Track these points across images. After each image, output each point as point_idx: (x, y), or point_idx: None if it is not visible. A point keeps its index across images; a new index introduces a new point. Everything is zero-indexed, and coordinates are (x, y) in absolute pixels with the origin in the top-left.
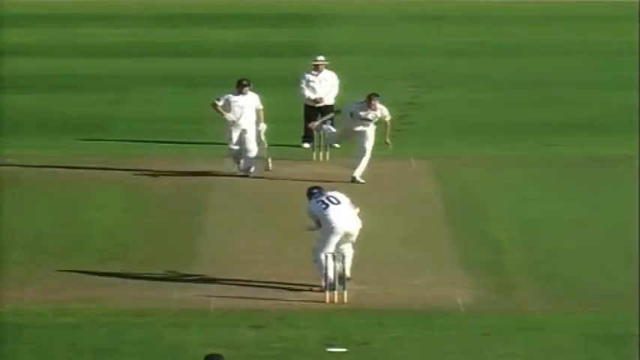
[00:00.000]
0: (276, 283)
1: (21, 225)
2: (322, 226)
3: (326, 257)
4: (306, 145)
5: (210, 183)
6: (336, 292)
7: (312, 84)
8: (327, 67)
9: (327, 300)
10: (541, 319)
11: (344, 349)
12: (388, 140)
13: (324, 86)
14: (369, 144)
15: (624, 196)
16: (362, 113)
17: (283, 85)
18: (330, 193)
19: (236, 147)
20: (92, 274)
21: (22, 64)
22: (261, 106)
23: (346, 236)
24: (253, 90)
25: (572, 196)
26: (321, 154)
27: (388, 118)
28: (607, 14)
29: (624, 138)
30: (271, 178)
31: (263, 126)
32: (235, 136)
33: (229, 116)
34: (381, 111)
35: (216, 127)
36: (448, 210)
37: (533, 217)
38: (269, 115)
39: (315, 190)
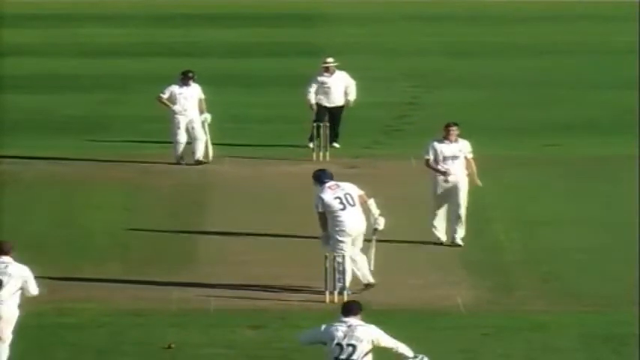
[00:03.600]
0: (276, 283)
1: (21, 225)
2: (333, 225)
3: (343, 259)
4: (311, 144)
5: (210, 183)
6: (336, 293)
7: (326, 85)
8: (339, 68)
9: (327, 300)
10: (541, 319)
11: None
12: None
13: (339, 88)
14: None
15: (624, 196)
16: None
17: (283, 85)
18: (346, 190)
19: (185, 136)
20: (92, 274)
21: (22, 64)
22: (203, 96)
23: (356, 239)
24: (196, 81)
25: (572, 196)
26: (321, 154)
27: (470, 156)
28: (607, 14)
29: (624, 138)
30: (271, 178)
31: (207, 116)
32: (183, 126)
33: (177, 108)
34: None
35: (216, 128)
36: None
37: (533, 217)
38: (269, 115)
39: (326, 180)
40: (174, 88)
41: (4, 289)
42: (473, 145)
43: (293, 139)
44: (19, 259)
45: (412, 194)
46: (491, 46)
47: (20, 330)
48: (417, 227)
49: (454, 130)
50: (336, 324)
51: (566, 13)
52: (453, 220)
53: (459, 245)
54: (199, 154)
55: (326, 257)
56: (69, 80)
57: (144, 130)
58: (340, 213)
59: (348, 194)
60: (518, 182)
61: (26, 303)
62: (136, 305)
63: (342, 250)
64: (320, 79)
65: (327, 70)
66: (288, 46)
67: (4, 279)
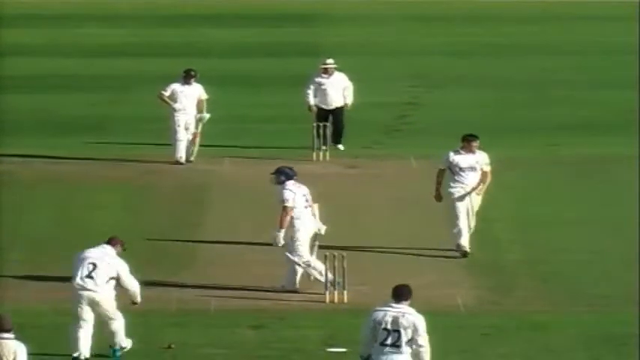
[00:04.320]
0: (276, 283)
1: (21, 225)
2: (294, 224)
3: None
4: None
5: (210, 183)
6: (336, 292)
7: (323, 87)
8: (338, 69)
9: (327, 300)
10: (541, 319)
11: (344, 349)
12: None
13: (337, 90)
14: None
15: (624, 196)
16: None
17: (283, 85)
18: (305, 189)
19: (185, 135)
20: None
21: (22, 64)
22: (206, 96)
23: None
24: (199, 81)
25: (572, 196)
26: (321, 154)
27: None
28: (607, 14)
29: (624, 138)
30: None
31: (206, 115)
32: (183, 124)
33: (177, 106)
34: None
35: (216, 128)
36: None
37: (533, 217)
38: (269, 115)
39: (294, 177)
40: (176, 86)
41: (97, 276)
42: None
43: (293, 139)
44: (18, 259)
45: (412, 194)
46: (491, 46)
47: (19, 330)
48: (416, 227)
49: (475, 145)
50: (386, 308)
51: (566, 13)
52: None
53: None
54: (188, 153)
55: (326, 257)
56: (69, 80)
57: (144, 130)
58: (304, 211)
59: (308, 194)
60: (519, 182)
61: (25, 303)
62: (136, 305)
63: (303, 249)
64: (317, 80)
65: (325, 71)
66: (288, 46)
67: (98, 263)
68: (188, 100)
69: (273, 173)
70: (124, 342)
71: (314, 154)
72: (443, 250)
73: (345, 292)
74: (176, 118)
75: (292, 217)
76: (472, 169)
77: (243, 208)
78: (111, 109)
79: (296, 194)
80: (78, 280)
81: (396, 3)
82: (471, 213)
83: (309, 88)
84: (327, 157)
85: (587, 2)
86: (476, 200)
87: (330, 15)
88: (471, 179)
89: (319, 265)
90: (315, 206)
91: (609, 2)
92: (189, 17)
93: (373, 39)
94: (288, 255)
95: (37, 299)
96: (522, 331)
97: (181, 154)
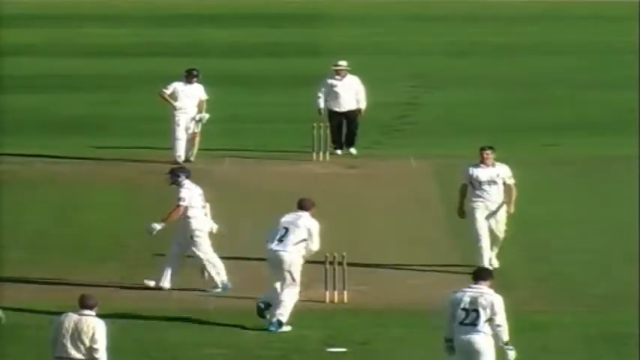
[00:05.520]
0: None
1: (21, 225)
2: (191, 223)
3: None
4: (338, 151)
5: (209, 183)
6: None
7: (335, 89)
8: (350, 72)
9: (327, 300)
10: (541, 319)
11: (344, 349)
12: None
13: (349, 92)
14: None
15: (624, 196)
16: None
17: (283, 85)
18: (200, 189)
19: (184, 134)
20: (92, 273)
21: (22, 64)
22: (206, 97)
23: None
24: (200, 81)
25: (572, 196)
26: (321, 154)
27: (512, 182)
28: (607, 14)
29: (624, 138)
30: (271, 178)
31: (205, 115)
32: (183, 124)
33: (178, 104)
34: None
35: (216, 128)
36: (448, 210)
37: (534, 217)
38: (269, 115)
39: (190, 178)
40: (178, 85)
41: (288, 238)
42: (473, 146)
43: (293, 139)
44: (18, 259)
45: (412, 194)
46: (491, 46)
47: (19, 330)
48: (416, 227)
49: (489, 154)
50: (466, 289)
51: (566, 13)
52: (490, 244)
53: (495, 267)
54: (188, 153)
55: (326, 257)
56: (69, 80)
57: (144, 130)
58: (201, 211)
59: (202, 194)
60: (518, 182)
61: (25, 303)
62: (136, 305)
63: (206, 246)
64: (329, 81)
65: (337, 73)
66: (288, 46)
67: (290, 227)
68: (189, 100)
69: (168, 173)
70: (284, 319)
71: (314, 154)
72: (443, 250)
73: (345, 292)
74: (176, 118)
75: (189, 217)
76: (492, 182)
77: (242, 207)
78: (111, 109)
79: (195, 194)
80: (268, 244)
81: (396, 3)
82: (495, 231)
83: (320, 90)
84: (327, 157)
85: (587, 2)
86: (502, 219)
87: (331, 15)
88: (492, 193)
89: (219, 264)
90: (208, 206)
91: (609, 2)
92: (189, 17)
93: (373, 39)
94: (194, 250)
95: (37, 299)
96: (522, 331)
97: (180, 152)
